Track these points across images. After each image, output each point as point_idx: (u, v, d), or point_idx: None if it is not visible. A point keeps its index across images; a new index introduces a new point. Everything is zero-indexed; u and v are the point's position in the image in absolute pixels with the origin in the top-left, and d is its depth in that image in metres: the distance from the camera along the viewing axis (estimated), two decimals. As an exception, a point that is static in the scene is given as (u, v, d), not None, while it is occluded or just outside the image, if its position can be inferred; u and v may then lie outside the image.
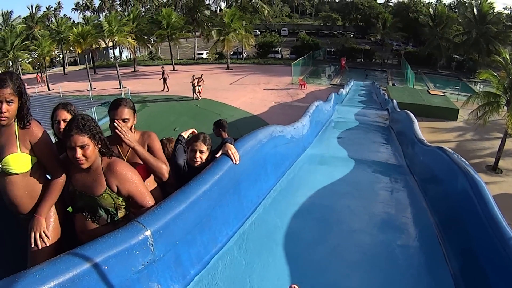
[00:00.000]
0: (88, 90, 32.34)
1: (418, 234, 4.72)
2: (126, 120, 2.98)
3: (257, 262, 3.49)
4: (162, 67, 36.37)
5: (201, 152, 3.47)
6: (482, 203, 3.62)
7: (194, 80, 26.70)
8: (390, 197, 6.09)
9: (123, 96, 28.31)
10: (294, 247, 3.89)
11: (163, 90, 31.91)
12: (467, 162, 4.74)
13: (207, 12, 56.26)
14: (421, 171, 6.83)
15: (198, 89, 26.52)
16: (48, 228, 2.62)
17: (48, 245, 2.59)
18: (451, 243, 4.13)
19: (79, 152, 2.49)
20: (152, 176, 3.21)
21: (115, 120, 2.93)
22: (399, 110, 14.02)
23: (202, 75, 26.36)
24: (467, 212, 3.94)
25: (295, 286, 2.59)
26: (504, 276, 2.85)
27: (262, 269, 3.40)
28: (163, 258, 2.68)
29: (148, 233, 2.48)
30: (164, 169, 3.05)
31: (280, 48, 57.68)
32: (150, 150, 3.13)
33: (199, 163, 3.46)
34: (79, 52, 37.46)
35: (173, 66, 46.00)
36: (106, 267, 2.19)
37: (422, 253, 4.22)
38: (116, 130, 2.88)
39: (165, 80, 32.48)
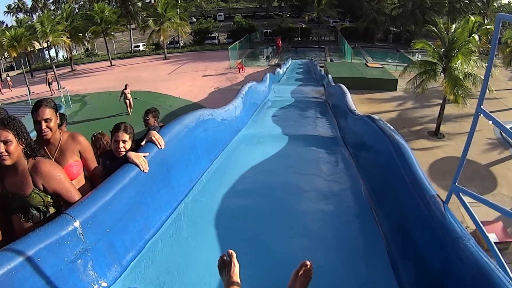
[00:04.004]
0: (26, 95, 30.89)
1: (351, 202, 5.05)
2: (48, 120, 3.15)
3: (190, 243, 3.73)
4: (46, 72, 36.09)
5: (124, 141, 3.67)
6: (405, 166, 3.88)
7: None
8: (324, 169, 6.40)
9: (62, 97, 27.36)
10: (226, 225, 4.13)
11: (51, 94, 31.69)
12: (392, 128, 5.06)
13: (140, 4, 55.36)
14: (353, 141, 7.27)
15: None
16: None
17: None
18: (381, 208, 4.45)
19: (2, 147, 2.66)
20: (82, 174, 3.44)
21: None
22: (333, 84, 14.51)
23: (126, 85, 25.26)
24: (393, 176, 4.24)
25: (231, 251, 2.87)
26: (428, 234, 3.08)
27: (194, 250, 3.63)
28: (95, 247, 2.90)
29: (77, 223, 2.69)
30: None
31: (216, 34, 58.52)
32: (83, 158, 3.38)
33: (123, 152, 3.64)
34: (15, 56, 36.09)
35: (110, 62, 46.17)
36: (38, 259, 2.38)
37: (356, 219, 4.55)
38: None
39: (49, 84, 32.65)
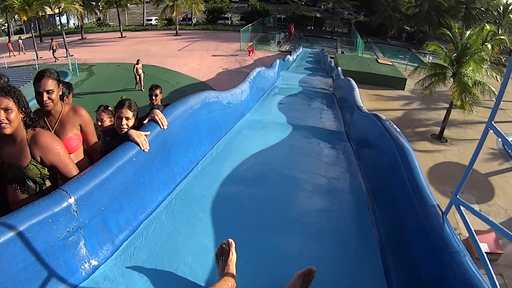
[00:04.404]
0: (34, 60, 30.86)
1: (349, 200, 4.91)
2: (50, 92, 3.09)
3: (184, 227, 3.64)
4: (51, 38, 35.84)
5: (127, 118, 3.57)
6: (408, 170, 3.76)
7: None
8: (325, 163, 6.27)
9: (70, 65, 27.22)
10: (222, 211, 4.04)
11: (55, 61, 31.91)
12: (399, 130, 4.91)
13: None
14: (357, 137, 7.14)
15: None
16: None
17: None
18: (379, 208, 4.34)
19: (2, 114, 2.58)
20: (81, 148, 3.38)
21: None
22: (342, 77, 14.32)
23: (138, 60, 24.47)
24: (395, 179, 4.10)
25: (231, 240, 2.85)
26: (425, 244, 2.98)
27: (188, 234, 3.55)
28: (89, 225, 2.83)
29: (71, 200, 2.62)
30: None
31: (230, 14, 58.45)
32: (83, 132, 3.33)
33: (125, 129, 3.55)
34: (25, 20, 35.67)
35: (121, 33, 45.85)
36: (30, 235, 2.32)
37: (352, 219, 4.40)
38: None
39: (53, 51, 32.76)
